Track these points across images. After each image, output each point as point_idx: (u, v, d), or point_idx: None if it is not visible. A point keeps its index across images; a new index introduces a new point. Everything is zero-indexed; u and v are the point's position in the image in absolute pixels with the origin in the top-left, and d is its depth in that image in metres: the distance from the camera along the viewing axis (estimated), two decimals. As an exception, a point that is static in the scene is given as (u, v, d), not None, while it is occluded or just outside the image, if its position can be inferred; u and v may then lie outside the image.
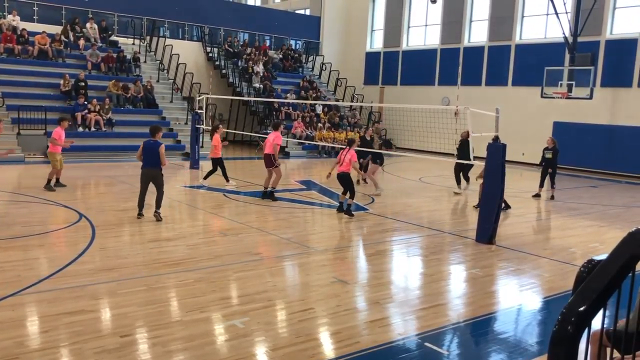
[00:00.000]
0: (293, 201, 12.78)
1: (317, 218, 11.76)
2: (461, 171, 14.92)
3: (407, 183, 16.85)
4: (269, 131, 17.29)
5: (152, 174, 10.17)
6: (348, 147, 11.59)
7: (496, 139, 9.63)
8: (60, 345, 5.03)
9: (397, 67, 29.91)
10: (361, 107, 28.26)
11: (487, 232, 9.52)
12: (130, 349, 5.03)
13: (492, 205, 9.47)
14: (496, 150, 9.48)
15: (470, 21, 26.93)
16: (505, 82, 25.07)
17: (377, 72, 30.98)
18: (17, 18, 22.83)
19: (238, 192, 13.69)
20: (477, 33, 26.62)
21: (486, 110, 10.40)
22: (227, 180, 14.47)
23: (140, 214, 10.23)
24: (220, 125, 15.85)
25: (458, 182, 14.99)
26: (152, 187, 10.25)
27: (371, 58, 31.41)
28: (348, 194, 11.40)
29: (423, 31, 29.21)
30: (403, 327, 5.86)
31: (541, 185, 14.87)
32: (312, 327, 5.76)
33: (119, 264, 7.52)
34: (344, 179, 11.40)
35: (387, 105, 26.53)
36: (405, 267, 8.48)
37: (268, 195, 12.61)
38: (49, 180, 12.63)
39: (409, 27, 29.83)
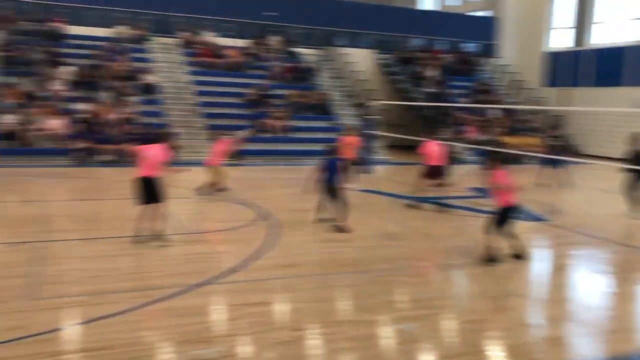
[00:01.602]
0: (465, 209, 12.43)
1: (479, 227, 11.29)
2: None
3: (593, 193, 15.45)
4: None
5: (332, 189, 10.13)
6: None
7: None
8: (242, 333, 5.47)
9: (581, 67, 27.57)
10: (541, 110, 26.56)
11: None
12: (302, 343, 5.32)
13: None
14: None
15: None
16: None
17: (560, 74, 28.85)
18: (213, 34, 25.41)
19: (407, 197, 13.68)
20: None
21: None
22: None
23: (317, 219, 10.58)
24: (350, 128, 15.70)
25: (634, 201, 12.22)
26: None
27: (554, 58, 29.36)
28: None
29: (613, 28, 26.55)
30: (586, 349, 5.40)
31: None
32: (485, 339, 5.56)
33: (294, 261, 7.98)
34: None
35: (570, 109, 24.61)
36: (591, 285, 7.78)
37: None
38: (211, 185, 13.08)
39: (594, 23, 27.34)
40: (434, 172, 12.31)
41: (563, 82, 28.56)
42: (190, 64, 24.11)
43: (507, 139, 23.63)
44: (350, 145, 14.90)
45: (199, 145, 19.87)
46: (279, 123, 21.58)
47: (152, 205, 8.59)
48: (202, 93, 22.47)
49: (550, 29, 29.76)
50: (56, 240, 8.68)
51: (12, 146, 17.80)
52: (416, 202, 12.25)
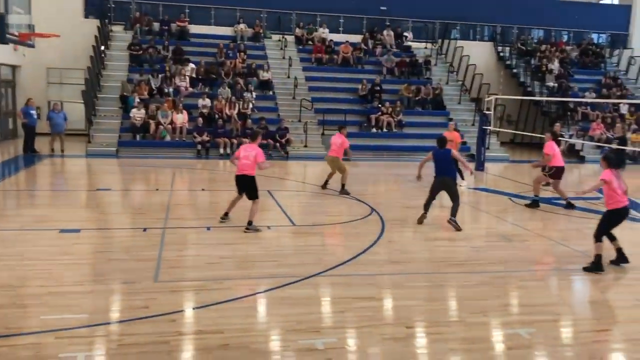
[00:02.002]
0: (587, 210, 11.64)
1: (617, 232, 10.48)
2: None
3: None
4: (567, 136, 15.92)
5: (446, 182, 10.03)
6: (612, 167, 7.74)
7: None
8: (351, 326, 5.51)
9: None
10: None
11: None
12: (413, 340, 5.26)
13: None
14: None
15: None
16: None
17: None
18: (326, 30, 25.76)
19: (525, 197, 13.07)
20: None
21: None
22: (462, 178, 13.97)
23: (423, 216, 10.26)
24: (451, 124, 15.25)
25: None
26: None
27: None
28: None
29: None
30: None
31: None
32: (608, 350, 5.19)
33: (404, 258, 7.91)
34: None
35: None
36: None
37: (571, 206, 11.67)
38: (342, 185, 12.92)
39: None
40: (558, 173, 11.62)
41: None
42: (304, 60, 24.64)
43: (638, 137, 21.82)
44: (450, 141, 14.38)
45: (310, 140, 20.31)
46: (390, 118, 21.45)
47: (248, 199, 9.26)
48: (314, 89, 22.88)
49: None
50: (179, 227, 9.26)
51: (141, 139, 19.22)
52: (535, 202, 11.66)
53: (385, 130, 21.33)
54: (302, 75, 23.46)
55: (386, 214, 10.63)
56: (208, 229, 9.19)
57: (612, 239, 7.80)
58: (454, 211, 9.74)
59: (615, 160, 7.96)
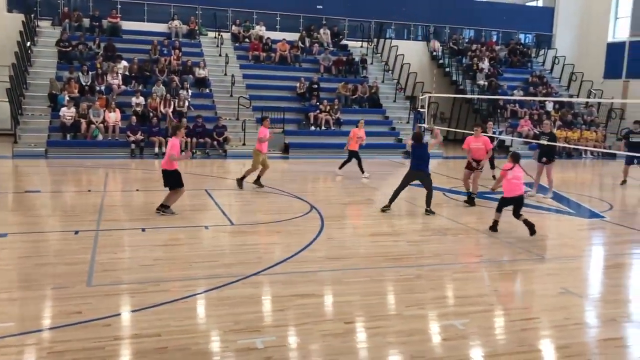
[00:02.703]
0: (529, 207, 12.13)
1: (544, 223, 11.00)
2: None
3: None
4: (496, 132, 16.58)
5: (421, 175, 10.87)
6: (517, 163, 9.39)
7: None
8: (291, 324, 5.53)
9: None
10: (599, 103, 25.64)
11: None
12: (352, 335, 5.33)
13: None
14: None
15: None
16: None
17: (621, 65, 27.73)
18: (263, 28, 25.65)
19: (459, 192, 13.49)
20: None
21: None
22: (363, 172, 14.95)
23: (387, 207, 10.81)
24: (361, 121, 15.99)
25: None
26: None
27: (614, 49, 28.25)
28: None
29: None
30: (645, 351, 5.21)
31: None
32: (536, 337, 5.44)
33: (343, 254, 8.00)
34: (522, 202, 9.53)
35: (632, 102, 23.64)
36: (649, 285, 7.49)
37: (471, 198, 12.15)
38: (258, 177, 13.18)
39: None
40: (476, 166, 12.13)
41: (627, 73, 27.44)
42: (241, 57, 24.44)
43: (562, 133, 22.94)
44: (358, 137, 15.09)
45: (249, 139, 20.18)
46: (328, 116, 21.61)
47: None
48: (251, 87, 22.75)
49: (614, 18, 28.61)
50: (113, 229, 8.99)
51: (72, 138, 18.51)
52: (469, 196, 12.04)
53: (323, 128, 21.47)
54: (240, 73, 23.27)
55: (325, 211, 10.71)
56: (143, 230, 8.98)
57: (518, 216, 9.27)
58: (428, 202, 10.75)
59: (519, 156, 9.54)
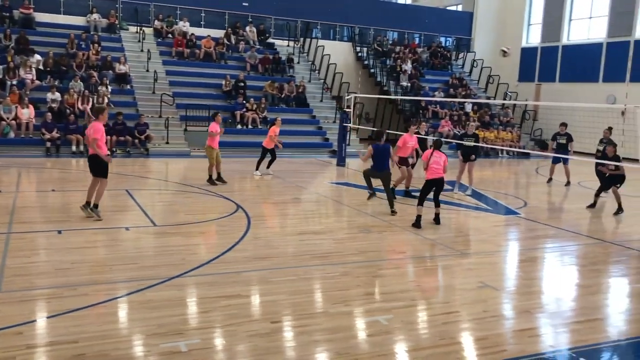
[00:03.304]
0: (445, 202, 12.53)
1: (463, 220, 11.44)
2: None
3: (565, 187, 15.74)
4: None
5: (385, 175, 11.02)
6: (437, 149, 10.05)
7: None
8: (217, 326, 5.45)
9: (556, 62, 28.03)
10: (514, 105, 26.95)
11: (657, 244, 8.59)
12: (279, 335, 5.32)
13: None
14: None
15: (642, 12, 24.45)
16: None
17: (534, 69, 29.30)
18: (187, 24, 25.09)
19: (382, 190, 13.75)
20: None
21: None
22: (257, 169, 15.04)
23: (372, 194, 11.64)
24: (279, 119, 16.10)
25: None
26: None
27: (527, 54, 29.78)
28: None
29: (586, 24, 27.05)
30: (554, 340, 5.52)
31: None
32: (457, 330, 5.64)
33: (270, 253, 7.96)
34: (442, 185, 10.04)
35: (544, 104, 25.00)
36: (559, 277, 7.94)
37: (410, 195, 12.55)
38: (210, 176, 13.41)
39: (570, 19, 27.82)
40: (401, 164, 12.52)
41: (539, 77, 28.97)
42: (164, 53, 23.82)
43: (480, 133, 23.94)
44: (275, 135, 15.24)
45: (172, 137, 19.73)
46: (255, 115, 21.46)
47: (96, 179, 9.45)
48: (175, 83, 22.22)
49: (527, 24, 30.13)
50: (26, 232, 8.51)
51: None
52: (393, 194, 12.35)
53: (250, 126, 21.30)
54: (163, 70, 22.65)
55: (252, 210, 10.62)
56: (59, 232, 8.56)
57: (437, 205, 10.03)
58: (391, 201, 10.93)
59: (440, 143, 10.28)
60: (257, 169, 15.17)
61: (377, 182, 11.71)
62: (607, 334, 5.73)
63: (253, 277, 6.90)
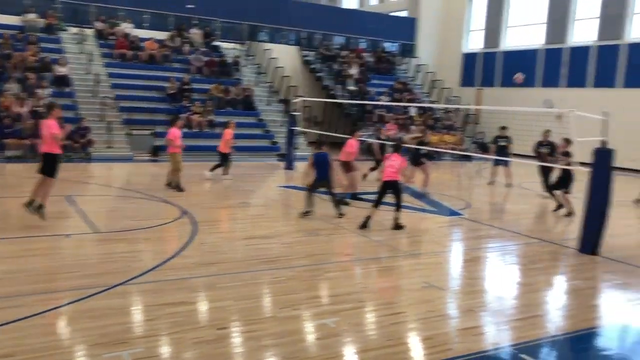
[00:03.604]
0: (385, 204, 12.70)
1: (409, 221, 11.62)
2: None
3: (506, 188, 16.26)
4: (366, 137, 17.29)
5: (326, 183, 10.84)
6: (396, 152, 10.46)
7: (604, 144, 9.08)
8: (162, 334, 5.33)
9: (496, 68, 28.95)
10: (457, 109, 27.65)
11: (591, 242, 8.99)
12: (226, 341, 5.25)
13: (598, 215, 8.94)
14: (603, 156, 8.93)
15: (574, 20, 25.56)
16: (615, 83, 23.55)
17: (475, 74, 30.17)
18: (130, 25, 24.49)
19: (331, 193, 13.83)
20: (584, 32, 25.19)
21: (593, 114, 9.83)
22: (211, 171, 15.02)
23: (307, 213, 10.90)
24: (232, 121, 16.01)
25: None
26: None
27: (468, 59, 30.63)
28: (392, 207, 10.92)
29: (524, 31, 28.08)
30: (497, 337, 5.69)
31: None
32: (403, 331, 5.72)
33: (217, 259, 7.86)
34: (396, 188, 10.22)
35: (485, 108, 25.76)
36: (501, 275, 8.20)
37: (357, 197, 12.67)
38: (176, 183, 12.87)
39: (508, 26, 28.81)
40: (347, 168, 12.64)
41: (479, 82, 29.84)
42: (105, 55, 23.17)
43: (426, 137, 24.44)
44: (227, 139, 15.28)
45: (115, 141, 19.22)
46: (201, 118, 21.17)
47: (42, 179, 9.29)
48: (118, 86, 21.65)
49: (468, 31, 30.99)
50: (-43, 242, 8.10)
51: None
52: (342, 198, 12.44)
53: (196, 130, 20.98)
54: (104, 72, 22.02)
55: (199, 215, 10.46)
56: (-6, 241, 8.18)
57: (377, 206, 10.16)
58: (337, 206, 10.86)
59: (399, 147, 10.65)
60: (213, 169, 15.10)
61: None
62: (546, 330, 5.95)
63: (199, 284, 6.80)
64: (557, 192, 12.32)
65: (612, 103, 20.04)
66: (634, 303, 7.02)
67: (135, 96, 21.42)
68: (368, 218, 9.97)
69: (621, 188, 14.65)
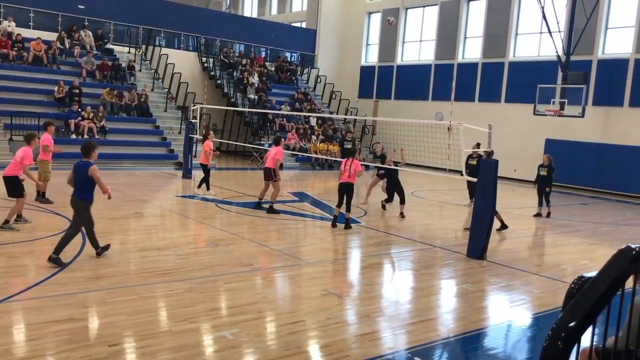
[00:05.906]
0: (285, 212, 12.75)
1: (309, 230, 11.75)
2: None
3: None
4: (266, 145, 17.31)
5: (74, 203, 8.23)
6: (352, 158, 11.50)
7: (489, 154, 9.68)
8: (47, 353, 4.97)
9: (392, 81, 30.07)
10: (355, 120, 28.37)
11: (478, 248, 9.53)
12: (118, 358, 4.99)
13: (483, 221, 9.50)
14: (488, 166, 9.53)
15: (465, 38, 27.17)
16: (499, 98, 25.26)
17: (372, 86, 31.15)
18: (13, 24, 22.82)
19: (230, 203, 13.67)
20: (472, 49, 26.85)
21: (479, 126, 10.46)
22: (208, 189, 14.53)
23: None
24: (211, 132, 15.90)
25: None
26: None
27: (366, 72, 31.59)
28: (344, 207, 11.32)
29: (418, 46, 29.43)
30: (393, 341, 5.85)
31: (540, 204, 14.64)
32: (302, 339, 5.73)
33: (108, 272, 7.47)
34: (349, 190, 11.28)
35: (381, 119, 26.62)
36: (396, 281, 8.48)
37: (260, 206, 12.65)
38: (43, 193, 11.99)
39: (403, 42, 30.07)
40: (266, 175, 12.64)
41: (377, 94, 30.82)
42: (-15, 55, 21.46)
43: (324, 146, 24.86)
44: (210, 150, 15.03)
45: (-5, 147, 17.81)
46: (92, 124, 20.13)
47: None
48: (-2, 88, 20.09)
49: (366, 44, 31.97)
50: None
51: None
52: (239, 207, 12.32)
53: (86, 136, 19.91)
54: (-17, 73, 20.37)
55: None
56: None
57: (347, 210, 11.25)
58: (62, 245, 7.66)
59: (353, 152, 12.73)
60: (207, 188, 14.41)
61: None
62: (439, 333, 6.21)
63: (89, 299, 6.42)
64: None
65: (496, 117, 21.48)
66: (517, 304, 7.51)
67: (19, 100, 19.97)
68: (335, 217, 11.32)
69: (504, 196, 15.71)
